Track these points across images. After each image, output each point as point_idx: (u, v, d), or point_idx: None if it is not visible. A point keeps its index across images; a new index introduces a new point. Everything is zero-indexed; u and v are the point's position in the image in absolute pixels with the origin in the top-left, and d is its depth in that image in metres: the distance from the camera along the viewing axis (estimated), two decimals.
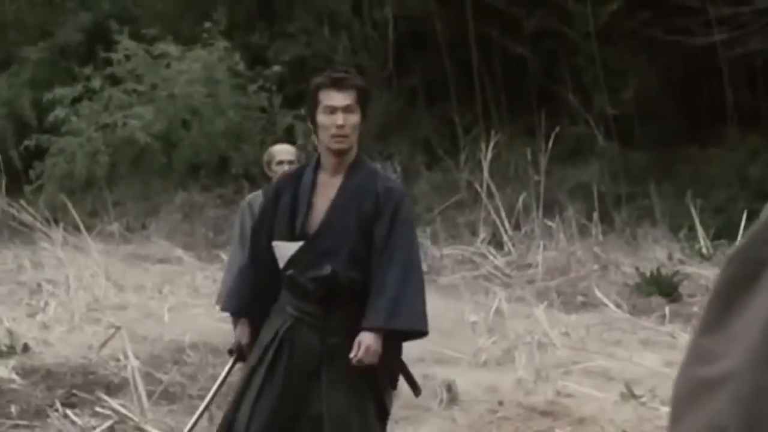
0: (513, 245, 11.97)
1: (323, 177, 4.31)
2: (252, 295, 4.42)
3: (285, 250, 4.29)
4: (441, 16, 15.17)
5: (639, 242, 11.95)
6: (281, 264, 4.30)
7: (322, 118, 4.26)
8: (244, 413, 4.26)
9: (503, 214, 12.24)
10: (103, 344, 7.62)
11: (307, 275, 4.21)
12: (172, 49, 14.53)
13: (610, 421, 5.81)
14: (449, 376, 6.69)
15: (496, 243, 12.21)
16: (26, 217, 13.67)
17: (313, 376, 4.20)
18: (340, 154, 4.28)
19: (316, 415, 4.18)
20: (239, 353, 4.50)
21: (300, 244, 4.25)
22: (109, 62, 14.93)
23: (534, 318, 8.17)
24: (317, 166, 4.36)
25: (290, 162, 7.11)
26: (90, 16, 16.97)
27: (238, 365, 4.66)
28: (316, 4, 15.82)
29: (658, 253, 11.25)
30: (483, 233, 12.46)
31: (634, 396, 6.20)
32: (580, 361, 7.15)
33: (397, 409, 6.23)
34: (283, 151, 7.23)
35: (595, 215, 11.98)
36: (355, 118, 4.26)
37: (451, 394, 6.39)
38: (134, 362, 6.63)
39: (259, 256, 4.40)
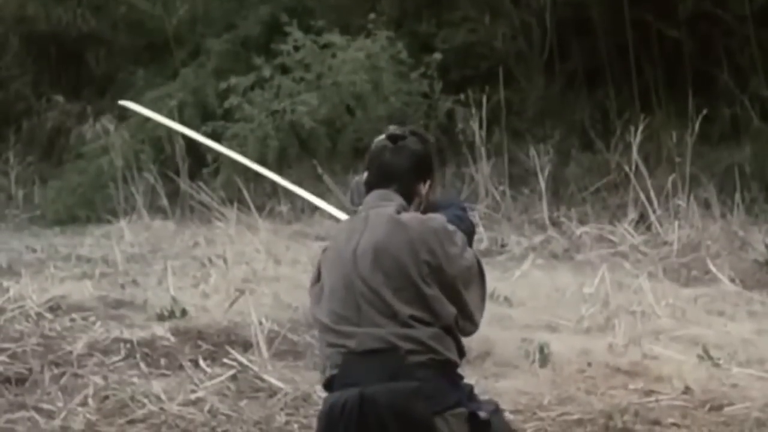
0: (659, 225, 12.28)
1: None
2: None
3: None
4: (597, 1, 15.51)
5: None
6: None
7: None
8: None
9: (652, 195, 12.56)
10: (231, 305, 8.50)
11: None
12: (337, 39, 15.34)
13: (680, 379, 6.28)
14: (548, 341, 7.24)
15: (642, 223, 12.54)
16: (205, 198, 14.75)
17: None
18: None
19: None
20: None
21: None
22: (280, 53, 15.85)
23: (643, 290, 8.59)
24: None
25: None
26: (268, 9, 17.95)
27: None
28: None
29: None
30: (631, 214, 12.81)
31: (710, 357, 6.64)
32: (676, 329, 7.58)
33: (488, 366, 6.88)
34: None
35: (737, 195, 12.19)
36: None
37: (543, 355, 6.94)
38: (257, 322, 7.47)
39: None
